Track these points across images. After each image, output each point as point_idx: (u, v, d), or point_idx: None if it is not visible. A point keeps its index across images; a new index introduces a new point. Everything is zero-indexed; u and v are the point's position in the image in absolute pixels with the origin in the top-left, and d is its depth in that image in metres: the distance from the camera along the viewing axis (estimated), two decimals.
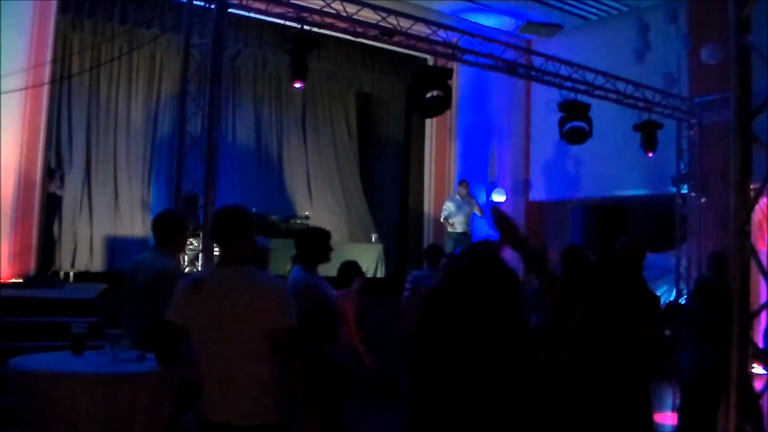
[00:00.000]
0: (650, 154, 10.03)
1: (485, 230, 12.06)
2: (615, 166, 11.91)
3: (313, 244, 4.81)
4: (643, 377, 4.18)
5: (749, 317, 4.10)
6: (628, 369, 4.02)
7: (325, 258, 4.85)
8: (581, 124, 9.26)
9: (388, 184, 13.87)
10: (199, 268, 6.24)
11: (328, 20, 7.35)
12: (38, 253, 9.06)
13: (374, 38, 8.05)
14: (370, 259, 11.33)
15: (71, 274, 10.17)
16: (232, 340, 3.03)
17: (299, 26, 7.09)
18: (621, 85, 9.48)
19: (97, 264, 10.58)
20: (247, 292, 3.06)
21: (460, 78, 12.17)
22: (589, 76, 9.21)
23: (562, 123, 9.36)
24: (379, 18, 7.65)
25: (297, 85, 7.73)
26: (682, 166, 10.50)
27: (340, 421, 4.86)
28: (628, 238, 4.97)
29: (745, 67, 4.21)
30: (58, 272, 9.90)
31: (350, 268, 6.38)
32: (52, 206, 9.52)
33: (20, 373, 3.79)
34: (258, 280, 3.12)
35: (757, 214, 4.50)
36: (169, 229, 4.69)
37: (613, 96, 9.48)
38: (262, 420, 3.00)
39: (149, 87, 11.71)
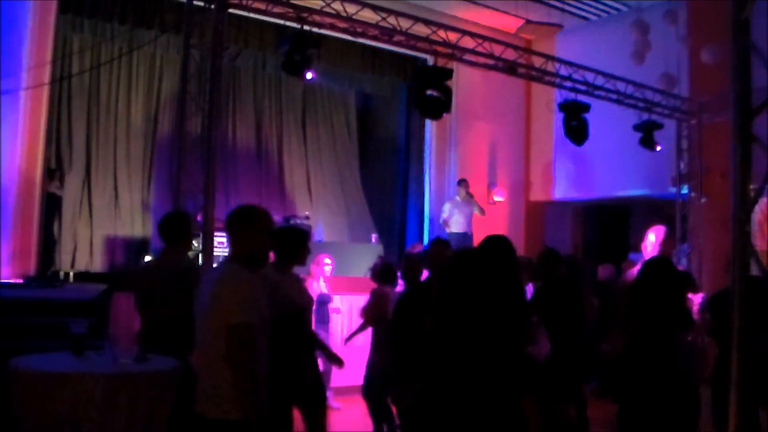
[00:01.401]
0: (658, 147, 10.00)
1: (486, 231, 12.05)
2: (615, 167, 11.92)
3: (286, 243, 4.56)
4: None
5: (750, 318, 4.09)
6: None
7: (298, 260, 4.72)
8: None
9: (388, 185, 13.87)
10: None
11: (328, 20, 7.36)
12: (38, 254, 9.07)
13: (374, 38, 8.06)
14: (369, 259, 11.30)
15: (71, 274, 10.18)
16: (202, 333, 3.14)
17: (299, 26, 7.09)
18: (621, 86, 9.49)
19: (97, 264, 10.57)
20: (213, 287, 3.12)
21: (459, 78, 12.16)
22: (589, 77, 9.21)
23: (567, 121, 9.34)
24: (379, 18, 7.65)
25: (309, 75, 7.44)
26: (682, 166, 10.50)
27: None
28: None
29: (745, 67, 4.20)
30: (58, 272, 9.90)
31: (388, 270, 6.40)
32: (52, 206, 9.53)
33: (21, 374, 3.79)
34: (221, 276, 3.16)
35: (757, 214, 4.49)
36: (179, 228, 4.71)
37: (613, 96, 9.49)
38: (220, 415, 3.03)
39: (149, 87, 11.71)
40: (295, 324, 4.40)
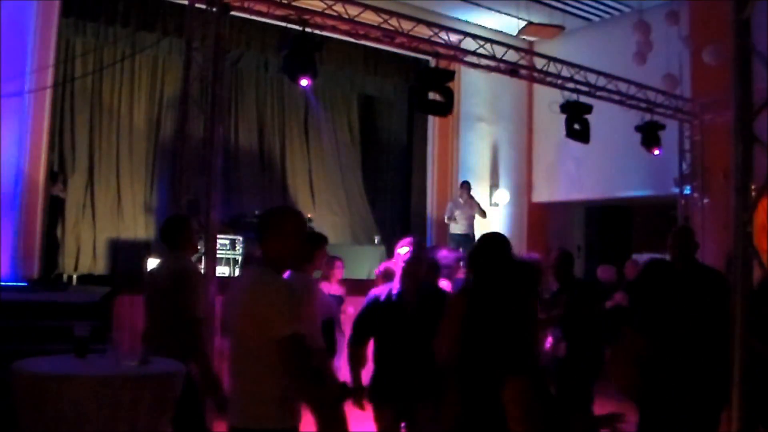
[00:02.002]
0: (656, 151, 9.99)
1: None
2: (617, 168, 11.91)
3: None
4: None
5: (751, 318, 4.09)
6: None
7: (317, 264, 4.68)
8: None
9: (390, 186, 13.88)
10: (201, 271, 6.23)
11: (330, 22, 7.36)
12: (41, 256, 9.09)
13: (376, 40, 8.05)
14: (372, 261, 11.33)
15: (74, 277, 10.19)
16: (237, 342, 3.01)
17: (301, 28, 7.09)
18: (623, 86, 9.49)
19: (100, 267, 10.58)
20: (252, 295, 2.99)
21: (462, 79, 12.18)
22: (591, 78, 9.21)
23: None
24: (381, 20, 7.65)
25: (304, 82, 7.50)
26: (684, 166, 10.50)
27: None
28: (678, 233, 4.89)
29: (746, 67, 4.21)
30: (61, 275, 9.92)
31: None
32: (55, 209, 9.55)
33: (24, 376, 3.80)
34: (263, 284, 3.02)
35: (760, 214, 4.47)
36: (177, 231, 4.74)
37: (615, 97, 9.48)
38: (258, 426, 2.92)
39: (152, 90, 11.72)
40: (329, 328, 4.44)
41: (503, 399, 2.21)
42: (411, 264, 4.31)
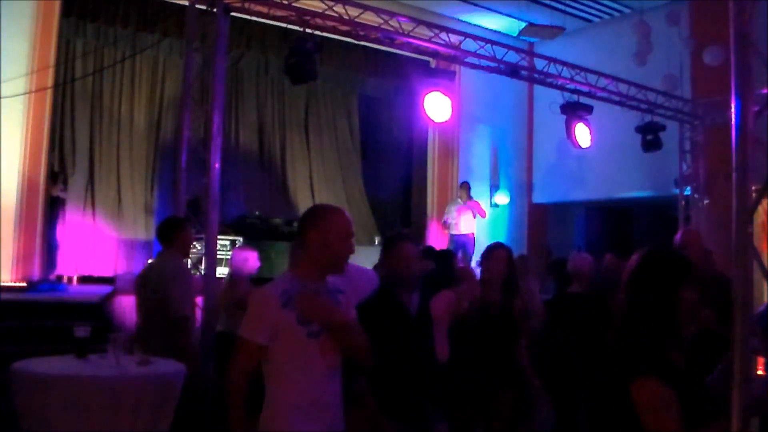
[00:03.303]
0: (651, 154, 10.01)
1: (487, 233, 12.07)
2: (618, 168, 11.91)
3: None
4: None
5: (751, 319, 4.08)
6: None
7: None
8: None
9: (390, 187, 13.88)
10: (202, 272, 6.22)
11: (330, 23, 7.34)
12: (42, 257, 9.09)
13: (377, 41, 8.04)
14: (372, 261, 11.30)
15: (74, 277, 10.20)
16: None
17: (301, 29, 7.08)
18: (623, 87, 9.46)
19: (100, 267, 10.58)
20: None
21: (462, 80, 12.18)
22: (592, 78, 9.19)
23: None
24: (381, 21, 7.64)
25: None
26: (684, 167, 10.49)
27: None
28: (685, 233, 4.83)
29: (746, 67, 4.20)
30: (61, 276, 9.92)
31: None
32: (55, 209, 9.55)
33: (24, 377, 3.80)
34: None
35: (761, 215, 4.47)
36: (171, 232, 4.78)
37: (616, 98, 9.47)
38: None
39: (152, 90, 11.72)
40: None
41: (633, 402, 2.21)
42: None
